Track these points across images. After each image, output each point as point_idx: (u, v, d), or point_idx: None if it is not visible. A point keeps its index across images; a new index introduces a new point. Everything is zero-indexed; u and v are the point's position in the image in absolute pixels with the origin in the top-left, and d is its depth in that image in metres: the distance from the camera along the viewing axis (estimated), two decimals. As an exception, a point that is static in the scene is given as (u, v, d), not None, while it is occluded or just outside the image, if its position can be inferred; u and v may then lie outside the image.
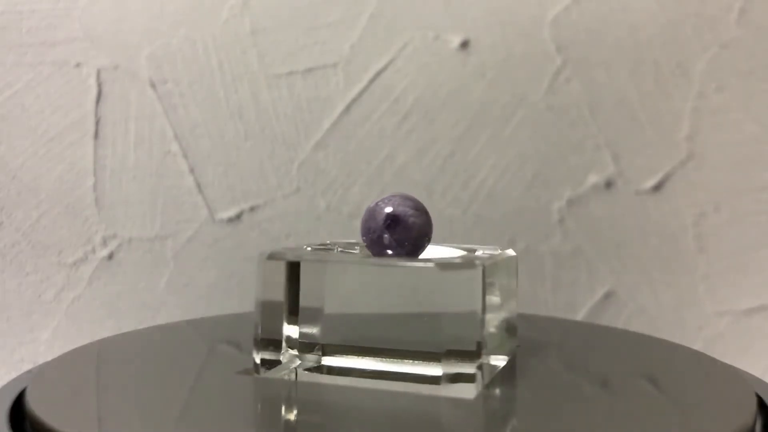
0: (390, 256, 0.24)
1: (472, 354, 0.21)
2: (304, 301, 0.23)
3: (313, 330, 0.23)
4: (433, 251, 0.26)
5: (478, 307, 0.21)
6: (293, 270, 0.23)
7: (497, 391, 0.22)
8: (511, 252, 0.26)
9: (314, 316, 0.23)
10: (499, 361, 0.24)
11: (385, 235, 0.24)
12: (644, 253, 0.39)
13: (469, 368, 0.21)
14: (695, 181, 0.39)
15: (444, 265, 0.22)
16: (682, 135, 0.39)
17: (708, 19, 0.38)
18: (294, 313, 0.23)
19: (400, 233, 0.24)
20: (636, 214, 0.39)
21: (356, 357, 0.23)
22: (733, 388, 0.22)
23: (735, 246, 0.39)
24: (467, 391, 0.21)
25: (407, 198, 0.24)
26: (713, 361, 0.25)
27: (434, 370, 0.22)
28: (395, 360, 0.22)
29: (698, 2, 0.38)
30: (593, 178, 0.39)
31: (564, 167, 0.39)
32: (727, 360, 0.26)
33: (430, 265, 0.22)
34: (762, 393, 0.23)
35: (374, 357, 0.23)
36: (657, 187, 0.39)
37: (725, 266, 0.39)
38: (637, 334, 0.31)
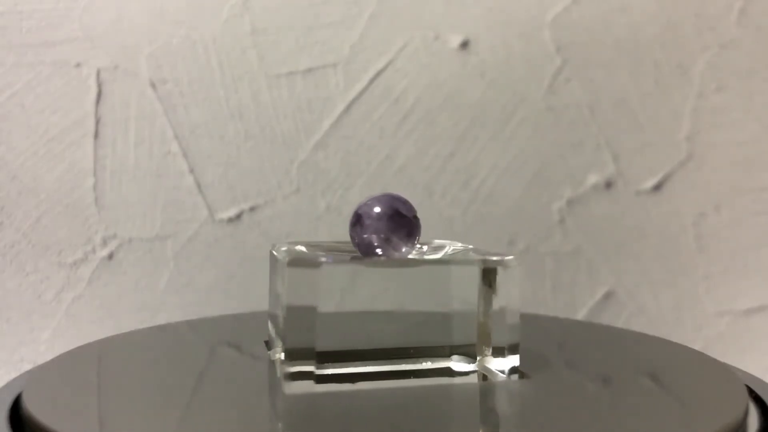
0: (377, 255, 0.24)
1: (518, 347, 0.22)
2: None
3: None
4: (433, 251, 0.26)
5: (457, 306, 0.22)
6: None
7: (496, 389, 0.22)
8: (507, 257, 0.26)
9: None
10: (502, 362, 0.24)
11: (352, 234, 0.24)
12: (644, 253, 0.39)
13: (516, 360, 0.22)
14: (695, 181, 0.39)
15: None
16: (682, 135, 0.39)
17: (708, 19, 0.38)
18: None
19: (359, 233, 0.24)
20: (636, 214, 0.39)
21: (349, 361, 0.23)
22: (728, 385, 0.22)
23: (735, 246, 0.39)
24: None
25: (381, 198, 0.24)
26: (711, 360, 0.25)
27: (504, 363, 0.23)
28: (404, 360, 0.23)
29: (698, 2, 0.38)
30: (593, 178, 0.39)
31: (564, 167, 0.39)
32: (727, 360, 0.26)
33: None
34: (759, 391, 0.23)
35: (426, 357, 0.23)
36: (657, 187, 0.39)
37: (725, 266, 0.39)
38: (636, 332, 0.31)
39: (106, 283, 0.39)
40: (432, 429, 0.20)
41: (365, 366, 0.23)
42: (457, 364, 0.24)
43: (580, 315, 0.39)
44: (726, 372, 0.24)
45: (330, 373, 0.22)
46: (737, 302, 0.39)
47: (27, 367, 0.38)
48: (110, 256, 0.39)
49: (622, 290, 0.39)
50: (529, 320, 0.32)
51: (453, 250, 0.26)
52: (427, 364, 0.23)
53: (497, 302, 0.23)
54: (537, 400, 0.22)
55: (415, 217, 0.24)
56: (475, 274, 0.24)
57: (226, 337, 0.29)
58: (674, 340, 0.29)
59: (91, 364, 0.25)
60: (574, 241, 0.39)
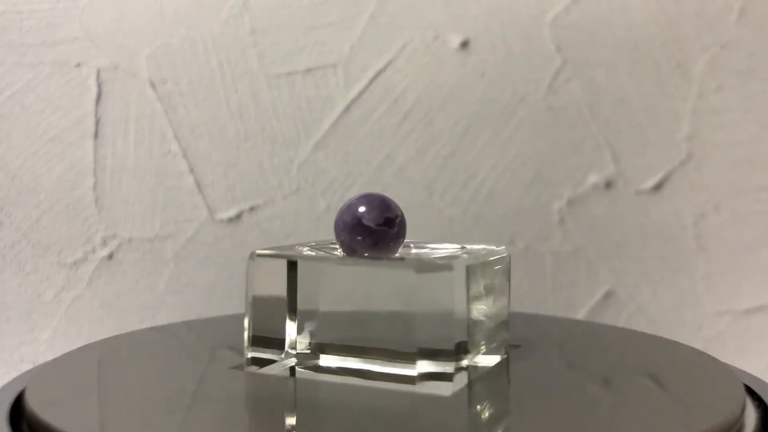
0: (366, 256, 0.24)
1: (450, 353, 0.22)
2: (297, 301, 0.24)
3: (306, 329, 0.24)
4: (427, 249, 0.26)
5: (460, 307, 0.22)
6: (290, 268, 0.24)
7: (494, 389, 0.22)
8: (503, 250, 0.25)
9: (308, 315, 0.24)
10: (490, 360, 0.24)
11: (334, 233, 0.24)
12: (644, 253, 0.39)
13: (447, 367, 0.22)
14: (695, 181, 0.39)
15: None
16: (682, 135, 0.39)
17: (708, 19, 0.38)
18: (292, 312, 0.24)
19: (334, 231, 0.24)
20: (636, 214, 0.39)
21: (340, 356, 0.23)
22: (726, 384, 0.23)
23: (735, 246, 0.39)
24: (444, 389, 0.21)
25: (352, 205, 0.23)
26: (710, 359, 0.25)
27: (410, 369, 0.22)
28: (372, 359, 0.23)
29: (698, 2, 0.38)
30: (593, 178, 0.39)
31: (564, 167, 0.39)
32: (727, 360, 0.26)
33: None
34: (758, 390, 0.23)
35: (350, 356, 0.23)
36: (657, 187, 0.39)
37: (725, 266, 0.39)
38: (636, 332, 0.31)
39: (106, 283, 0.39)
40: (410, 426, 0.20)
41: (322, 359, 0.24)
42: (395, 367, 0.23)
43: (580, 315, 0.39)
44: (724, 371, 0.24)
45: (291, 362, 0.24)
46: (737, 302, 0.39)
47: (27, 367, 0.38)
48: (110, 256, 0.39)
49: (622, 290, 0.39)
50: (529, 320, 0.32)
51: (448, 251, 0.26)
52: (367, 365, 0.23)
53: (434, 307, 0.22)
54: (536, 398, 0.22)
55: (384, 224, 0.23)
56: (414, 277, 0.22)
57: (226, 337, 0.29)
58: (674, 339, 0.29)
59: (91, 365, 0.25)
60: (574, 241, 0.39)
